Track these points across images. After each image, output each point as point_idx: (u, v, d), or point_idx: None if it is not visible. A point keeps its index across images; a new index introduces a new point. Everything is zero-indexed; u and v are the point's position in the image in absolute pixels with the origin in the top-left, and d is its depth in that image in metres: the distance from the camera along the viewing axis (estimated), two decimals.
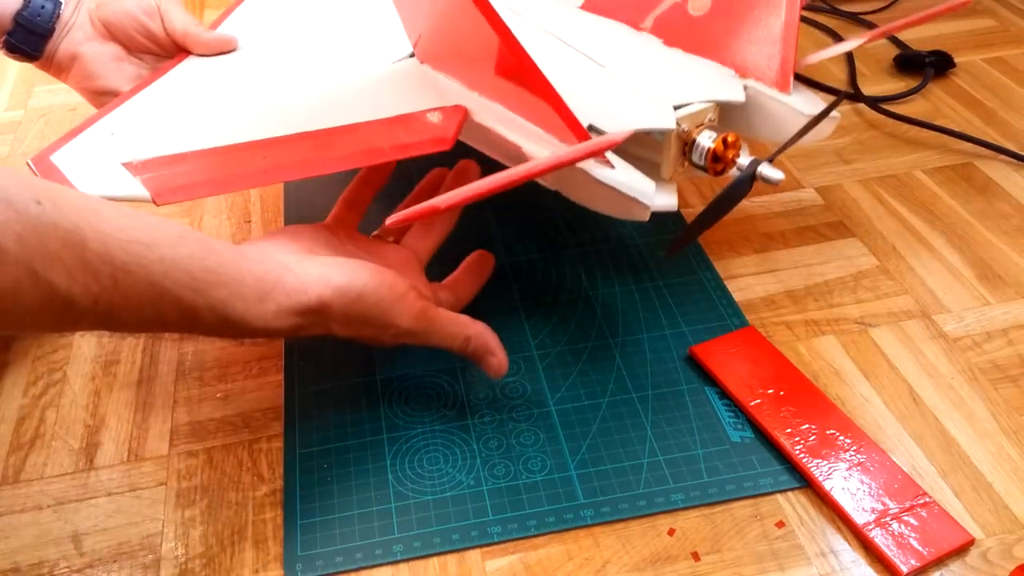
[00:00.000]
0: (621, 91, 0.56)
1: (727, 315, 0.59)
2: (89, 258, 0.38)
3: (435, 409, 0.54)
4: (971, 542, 0.46)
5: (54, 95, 0.88)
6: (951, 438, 0.51)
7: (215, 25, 0.66)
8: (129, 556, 0.47)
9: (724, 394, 0.54)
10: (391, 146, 0.52)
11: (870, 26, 0.93)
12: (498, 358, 0.51)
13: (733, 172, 0.53)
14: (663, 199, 0.52)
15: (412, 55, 0.61)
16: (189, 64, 0.62)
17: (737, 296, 0.61)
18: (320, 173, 0.52)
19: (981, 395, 0.54)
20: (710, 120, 0.55)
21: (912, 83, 0.83)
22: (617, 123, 0.52)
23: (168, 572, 0.47)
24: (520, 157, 0.53)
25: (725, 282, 0.62)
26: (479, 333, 0.51)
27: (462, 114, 0.54)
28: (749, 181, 0.51)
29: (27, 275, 0.37)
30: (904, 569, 0.44)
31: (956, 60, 0.85)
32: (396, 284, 0.48)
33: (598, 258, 0.65)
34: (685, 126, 0.53)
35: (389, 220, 0.45)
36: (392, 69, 0.60)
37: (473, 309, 0.55)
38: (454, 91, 0.56)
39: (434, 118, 0.54)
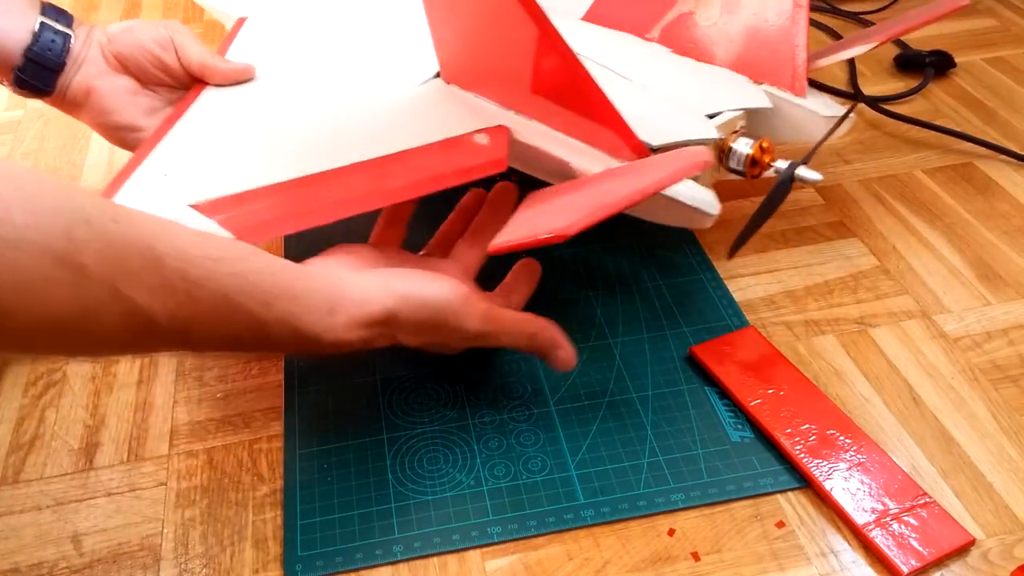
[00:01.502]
0: (655, 104, 0.57)
1: (727, 315, 0.59)
2: (166, 274, 0.39)
3: (435, 409, 0.54)
4: (972, 542, 0.46)
5: None
6: (951, 438, 0.51)
7: (221, 53, 0.65)
8: (129, 556, 0.47)
9: (724, 394, 0.54)
10: (452, 171, 0.53)
11: (868, 25, 0.93)
12: (566, 351, 0.51)
13: (769, 173, 0.55)
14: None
15: (436, 75, 0.61)
16: (211, 96, 0.61)
17: (737, 296, 0.61)
18: (389, 203, 0.53)
19: (981, 395, 0.54)
20: (741, 127, 0.57)
21: (912, 83, 0.83)
22: (662, 136, 0.53)
23: (168, 572, 0.47)
24: (568, 173, 0.54)
25: (725, 282, 0.62)
26: (544, 327, 0.51)
27: (506, 133, 0.55)
28: (789, 183, 0.53)
29: (109, 292, 0.37)
30: (904, 569, 0.44)
31: (957, 60, 0.85)
32: (458, 288, 0.48)
33: (598, 258, 0.65)
34: (721, 134, 0.55)
35: (491, 247, 0.47)
36: (419, 91, 0.60)
37: None
38: (490, 111, 0.57)
39: (482, 140, 0.55)
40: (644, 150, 0.52)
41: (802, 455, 0.49)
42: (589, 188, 0.51)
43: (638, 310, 0.60)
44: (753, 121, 0.58)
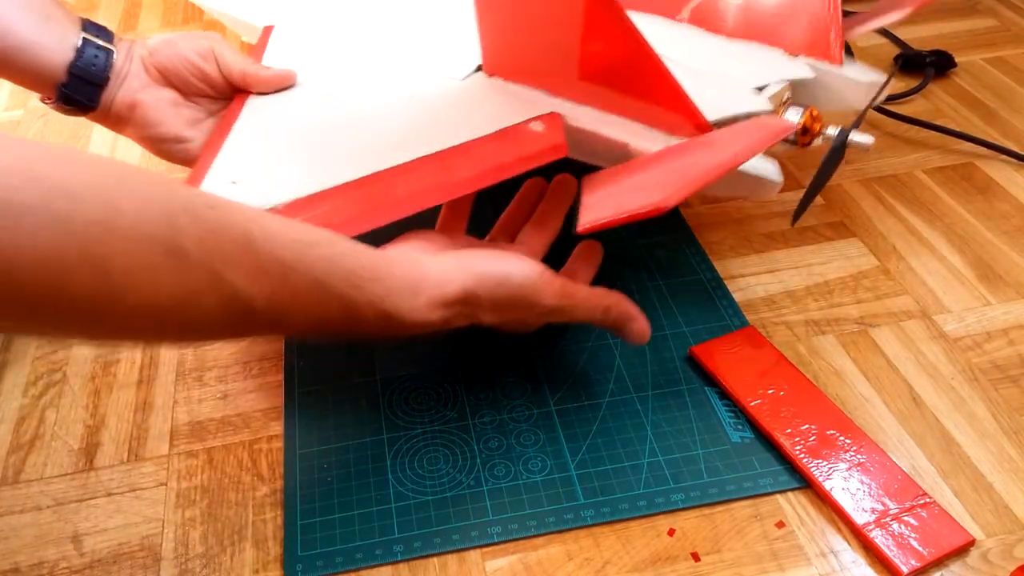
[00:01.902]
0: (701, 82, 0.56)
1: (727, 315, 0.59)
2: (262, 258, 0.40)
3: (435, 409, 0.54)
4: (971, 543, 0.46)
5: None
6: (951, 438, 0.51)
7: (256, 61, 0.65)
8: (129, 556, 0.47)
9: (724, 394, 0.54)
10: (514, 160, 0.52)
11: None
12: (640, 324, 0.52)
13: (818, 142, 0.56)
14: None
15: (477, 69, 0.60)
16: (257, 103, 0.61)
17: (737, 296, 0.61)
18: (460, 194, 0.53)
19: (981, 395, 0.54)
20: (788, 98, 0.57)
21: (913, 83, 0.83)
22: (717, 111, 0.53)
23: (168, 572, 0.47)
24: (624, 155, 0.53)
25: (725, 282, 0.62)
26: (619, 301, 0.51)
27: (559, 119, 0.55)
28: (842, 148, 0.54)
29: (208, 277, 0.38)
30: (904, 569, 0.44)
31: (957, 60, 0.85)
32: (533, 264, 0.49)
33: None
34: (772, 106, 0.56)
35: (581, 228, 0.47)
36: (463, 86, 0.60)
37: None
38: (540, 100, 0.57)
39: (537, 127, 0.54)
40: (708, 126, 0.52)
41: (802, 455, 0.49)
42: (666, 163, 0.50)
43: None
44: (794, 94, 0.58)
